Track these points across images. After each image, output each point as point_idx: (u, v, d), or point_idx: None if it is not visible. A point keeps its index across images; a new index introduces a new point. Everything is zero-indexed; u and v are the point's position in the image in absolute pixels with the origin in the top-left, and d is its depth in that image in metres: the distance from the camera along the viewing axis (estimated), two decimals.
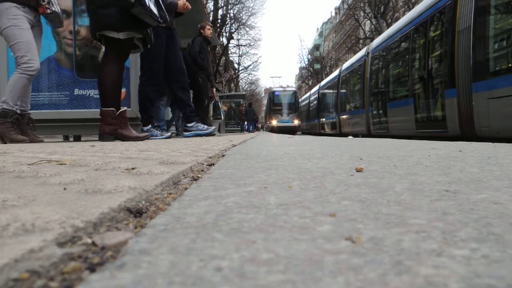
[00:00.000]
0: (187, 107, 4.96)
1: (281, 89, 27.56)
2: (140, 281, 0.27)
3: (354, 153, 1.51)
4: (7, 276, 0.29)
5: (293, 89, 28.39)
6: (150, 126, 4.58)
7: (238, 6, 24.76)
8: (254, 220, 0.44)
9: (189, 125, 4.92)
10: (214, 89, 7.88)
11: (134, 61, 4.35)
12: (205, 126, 5.02)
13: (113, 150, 1.85)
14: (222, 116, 9.93)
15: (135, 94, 4.44)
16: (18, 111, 3.20)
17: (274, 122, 25.78)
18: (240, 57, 29.15)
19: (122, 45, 3.34)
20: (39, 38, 3.36)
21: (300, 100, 31.00)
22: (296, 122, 25.71)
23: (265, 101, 51.30)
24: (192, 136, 4.76)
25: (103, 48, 3.45)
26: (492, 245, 0.34)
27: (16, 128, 3.16)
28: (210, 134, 5.02)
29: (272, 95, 27.07)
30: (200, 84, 6.47)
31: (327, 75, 28.50)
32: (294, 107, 26.43)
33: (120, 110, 3.34)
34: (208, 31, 6.53)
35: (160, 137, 4.53)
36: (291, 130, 23.21)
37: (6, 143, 2.99)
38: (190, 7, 4.71)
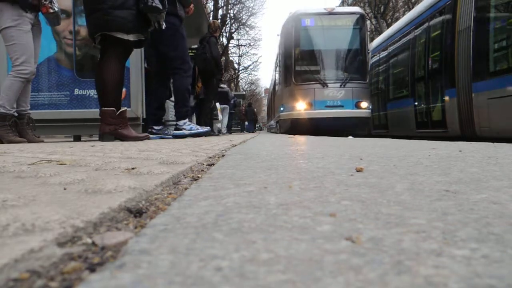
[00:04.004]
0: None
1: (323, 10, 10.25)
2: (140, 281, 0.27)
3: (354, 153, 1.51)
4: (7, 276, 0.29)
5: (357, 10, 10.74)
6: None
7: (238, 6, 24.75)
8: (254, 220, 0.44)
9: (180, 123, 4.59)
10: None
11: (134, 61, 4.36)
12: (198, 126, 4.80)
13: (113, 150, 1.85)
14: (220, 117, 9.94)
15: (135, 94, 4.44)
16: (16, 114, 3.21)
17: (300, 107, 9.60)
18: (240, 57, 29.10)
19: (126, 46, 3.34)
20: (39, 38, 3.36)
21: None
22: (364, 105, 9.50)
23: (265, 101, 47.63)
24: (182, 136, 4.45)
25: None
26: (492, 245, 0.34)
27: (14, 130, 3.17)
28: (207, 134, 4.92)
29: (295, 31, 10.04)
30: (214, 86, 6.60)
31: None
32: (360, 64, 9.83)
33: (120, 110, 3.34)
34: (218, 32, 6.70)
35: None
36: (348, 126, 9.35)
37: (3, 143, 2.99)
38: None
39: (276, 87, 14.89)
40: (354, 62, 9.80)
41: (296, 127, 9.64)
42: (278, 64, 13.26)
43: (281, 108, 11.15)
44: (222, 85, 14.33)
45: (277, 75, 14.60)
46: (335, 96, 9.33)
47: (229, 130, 13.02)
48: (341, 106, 9.26)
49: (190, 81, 4.69)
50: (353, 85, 9.39)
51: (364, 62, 9.86)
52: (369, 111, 9.66)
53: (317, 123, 9.10)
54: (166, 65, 4.75)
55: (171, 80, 5.18)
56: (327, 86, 9.39)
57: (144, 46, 3.83)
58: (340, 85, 9.35)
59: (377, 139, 3.56)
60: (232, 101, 13.75)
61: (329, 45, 9.86)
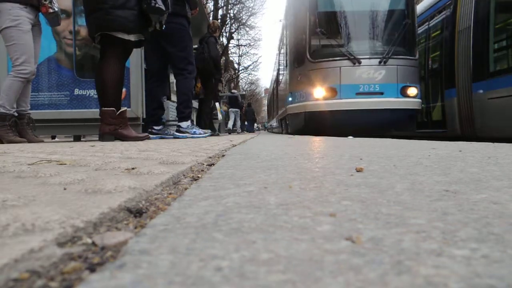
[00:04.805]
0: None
1: None
2: (140, 281, 0.27)
3: (354, 153, 1.51)
4: (7, 276, 0.29)
5: None
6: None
7: (238, 6, 24.73)
8: (254, 220, 0.44)
9: (183, 126, 4.60)
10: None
11: (134, 61, 4.36)
12: (201, 130, 4.74)
13: (113, 150, 1.85)
14: (220, 117, 10.03)
15: (135, 94, 4.45)
16: (16, 114, 3.21)
17: (318, 95, 6.49)
18: (240, 57, 29.08)
19: (126, 46, 3.35)
20: (39, 38, 3.36)
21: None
22: (413, 91, 6.40)
23: (265, 101, 47.55)
24: (183, 137, 4.46)
25: None
26: (492, 245, 0.34)
27: (14, 130, 3.17)
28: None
29: None
30: (213, 86, 6.63)
31: None
32: (406, 31, 6.62)
33: (120, 110, 3.34)
34: (217, 32, 6.74)
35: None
36: (390, 123, 6.62)
37: (3, 143, 3.00)
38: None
39: (280, 74, 11.38)
40: (399, 29, 6.56)
41: (311, 124, 6.77)
42: (284, 41, 9.71)
43: (289, 98, 7.86)
44: (233, 90, 15.18)
45: (281, 58, 10.98)
46: (372, 78, 6.25)
47: (233, 130, 13.93)
48: (380, 93, 6.22)
49: (194, 83, 4.75)
50: (397, 62, 6.31)
51: (412, 28, 6.72)
52: (420, 100, 6.61)
53: (343, 118, 6.22)
54: (171, 65, 4.76)
55: (171, 81, 5.21)
56: (359, 63, 6.27)
57: (143, 46, 3.84)
58: (380, 62, 6.25)
59: (377, 139, 3.56)
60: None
61: (361, 3, 6.69)
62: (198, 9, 4.83)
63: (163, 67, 4.79)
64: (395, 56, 6.38)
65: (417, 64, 6.75)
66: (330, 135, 5.43)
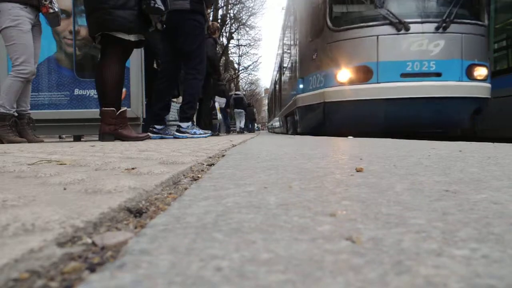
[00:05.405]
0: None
1: None
2: (140, 281, 0.27)
3: (354, 153, 1.51)
4: (7, 276, 0.29)
5: None
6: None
7: (238, 6, 24.75)
8: (254, 220, 0.44)
9: (183, 126, 4.56)
10: None
11: (134, 61, 4.36)
12: (201, 131, 4.71)
13: (113, 150, 1.85)
14: (219, 116, 10.10)
15: (135, 94, 4.44)
16: (16, 114, 3.21)
17: (343, 77, 4.31)
18: (240, 57, 29.09)
19: (127, 46, 3.35)
20: (39, 38, 3.37)
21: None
22: (481, 72, 4.28)
23: (265, 101, 47.41)
24: (183, 138, 4.43)
25: None
26: (492, 245, 0.34)
27: (14, 130, 3.17)
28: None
29: None
30: (211, 86, 6.64)
31: None
32: None
33: (121, 110, 3.35)
34: (217, 33, 6.74)
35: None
36: (450, 118, 4.33)
37: (3, 143, 3.00)
38: None
39: (285, 57, 9.09)
40: None
41: (333, 119, 4.91)
42: (292, 9, 7.54)
43: (300, 86, 5.85)
44: (237, 92, 15.94)
45: (287, 37, 8.85)
46: (425, 52, 4.37)
47: (241, 131, 14.89)
48: (438, 74, 4.37)
49: (202, 84, 4.69)
50: (463, 29, 4.44)
51: None
52: (489, 85, 4.80)
53: (382, 111, 4.46)
54: (183, 63, 4.65)
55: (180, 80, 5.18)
56: (406, 29, 4.39)
57: (143, 46, 3.84)
58: (437, 28, 4.38)
59: (377, 139, 3.56)
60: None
61: None
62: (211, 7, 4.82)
63: (177, 67, 4.73)
64: (459, 20, 4.40)
65: (486, 33, 4.75)
66: (362, 136, 4.05)
